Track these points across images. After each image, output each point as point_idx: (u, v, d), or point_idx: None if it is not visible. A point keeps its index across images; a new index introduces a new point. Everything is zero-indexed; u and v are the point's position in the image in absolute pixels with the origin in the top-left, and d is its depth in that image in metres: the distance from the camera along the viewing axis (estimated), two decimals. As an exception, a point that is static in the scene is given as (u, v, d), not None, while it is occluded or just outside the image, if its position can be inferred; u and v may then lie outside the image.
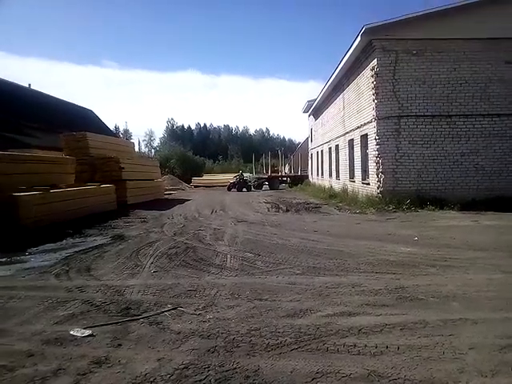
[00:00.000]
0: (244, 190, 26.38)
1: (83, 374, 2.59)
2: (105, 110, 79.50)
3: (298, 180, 30.72)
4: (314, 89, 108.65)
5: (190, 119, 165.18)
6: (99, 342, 3.11)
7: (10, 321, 3.54)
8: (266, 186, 29.37)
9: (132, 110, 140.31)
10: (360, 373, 2.57)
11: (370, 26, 12.56)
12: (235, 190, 26.12)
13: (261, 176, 31.33)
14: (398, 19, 12.65)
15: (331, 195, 17.61)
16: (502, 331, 3.17)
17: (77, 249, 6.79)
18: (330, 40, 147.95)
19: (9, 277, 5.08)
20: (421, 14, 12.54)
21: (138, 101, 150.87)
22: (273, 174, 31.86)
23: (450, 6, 12.56)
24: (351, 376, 2.54)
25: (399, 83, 12.83)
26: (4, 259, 6.03)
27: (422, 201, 12.13)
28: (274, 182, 29.39)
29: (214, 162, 59.16)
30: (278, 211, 13.20)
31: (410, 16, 12.56)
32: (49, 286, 4.63)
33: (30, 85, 27.52)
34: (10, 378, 2.57)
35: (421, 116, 12.84)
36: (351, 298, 4.09)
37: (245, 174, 29.58)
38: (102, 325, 3.43)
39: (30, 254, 6.44)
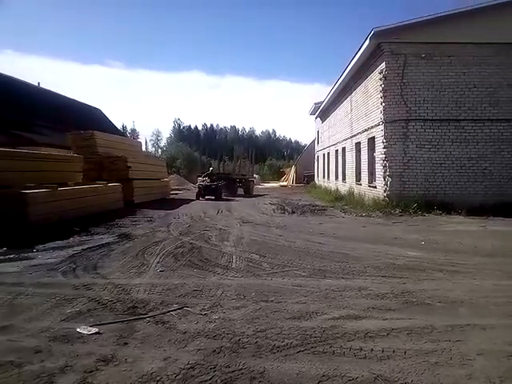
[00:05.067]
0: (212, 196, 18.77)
1: (90, 372, 2.60)
2: (112, 109, 79.73)
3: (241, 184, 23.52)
4: (319, 91, 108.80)
5: (195, 119, 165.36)
6: (106, 340, 3.12)
7: (18, 317, 3.56)
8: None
9: (139, 109, 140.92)
10: (366, 377, 2.56)
11: (379, 29, 12.53)
12: (211, 196, 18.66)
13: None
14: (407, 23, 12.62)
15: (337, 198, 17.57)
16: (511, 338, 3.14)
17: (84, 247, 6.82)
18: (336, 42, 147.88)
19: (16, 273, 5.11)
20: (430, 17, 12.48)
21: (145, 100, 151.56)
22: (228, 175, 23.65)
23: (459, 10, 12.49)
24: (357, 380, 2.53)
25: (407, 87, 12.77)
26: (12, 256, 6.06)
27: (429, 205, 12.06)
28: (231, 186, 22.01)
29: (220, 163, 59.31)
30: (284, 213, 13.18)
31: (420, 20, 12.50)
32: (56, 284, 4.66)
33: (39, 83, 27.73)
34: (18, 373, 2.58)
35: (429, 120, 12.77)
36: (357, 302, 4.07)
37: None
38: (109, 323, 3.44)
39: (37, 251, 6.47)
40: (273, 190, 30.41)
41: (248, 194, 23.30)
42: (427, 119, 12.77)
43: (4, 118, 17.81)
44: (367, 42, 13.04)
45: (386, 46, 12.80)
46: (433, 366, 2.70)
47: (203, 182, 19.77)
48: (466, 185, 12.69)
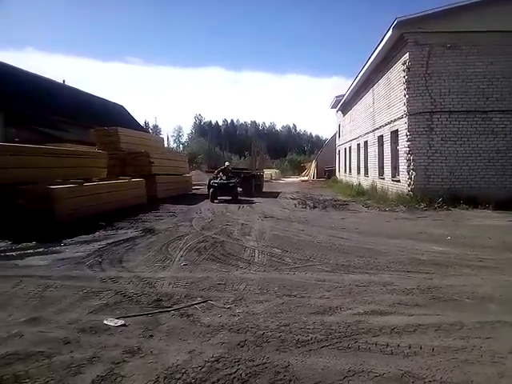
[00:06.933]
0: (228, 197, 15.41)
1: (117, 363, 2.65)
2: (134, 105, 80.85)
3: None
4: (339, 85, 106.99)
5: (216, 115, 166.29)
6: (131, 332, 3.17)
7: (48, 309, 3.66)
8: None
9: (160, 105, 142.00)
10: (393, 373, 2.52)
11: (402, 18, 12.23)
12: (227, 196, 15.39)
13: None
14: (431, 11, 12.26)
15: (359, 192, 17.35)
16: (544, 336, 3.03)
17: (109, 241, 6.95)
18: (356, 34, 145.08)
19: (45, 267, 5.25)
20: (456, 6, 12.11)
21: (166, 97, 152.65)
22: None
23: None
24: (384, 376, 2.49)
25: (432, 78, 12.45)
26: (41, 250, 6.24)
27: (455, 199, 11.76)
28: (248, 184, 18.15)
29: (241, 158, 59.46)
30: (305, 208, 13.11)
31: (444, 8, 12.16)
32: (83, 277, 4.77)
33: (64, 81, 28.33)
34: (48, 364, 2.65)
35: (454, 112, 12.41)
36: (382, 297, 4.01)
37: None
38: (134, 315, 3.50)
39: (64, 245, 6.64)
40: (293, 184, 30.25)
41: (259, 191, 19.47)
42: (453, 111, 12.42)
43: (30, 115, 18.31)
44: (390, 32, 12.75)
45: (409, 36, 12.49)
46: (462, 364, 2.63)
47: (217, 179, 15.82)
48: (494, 178, 12.30)
